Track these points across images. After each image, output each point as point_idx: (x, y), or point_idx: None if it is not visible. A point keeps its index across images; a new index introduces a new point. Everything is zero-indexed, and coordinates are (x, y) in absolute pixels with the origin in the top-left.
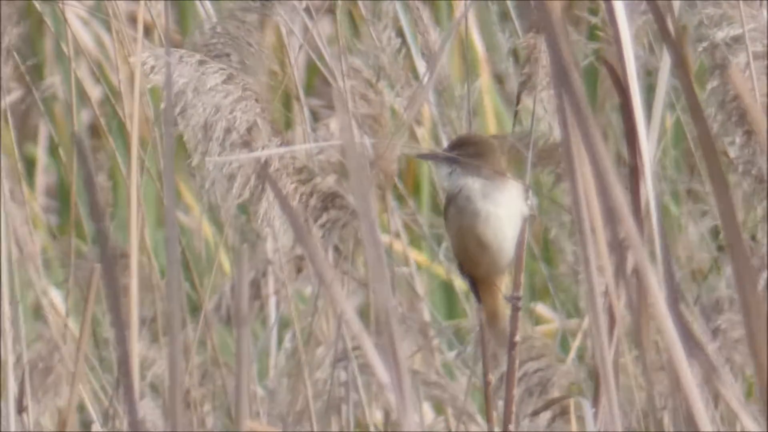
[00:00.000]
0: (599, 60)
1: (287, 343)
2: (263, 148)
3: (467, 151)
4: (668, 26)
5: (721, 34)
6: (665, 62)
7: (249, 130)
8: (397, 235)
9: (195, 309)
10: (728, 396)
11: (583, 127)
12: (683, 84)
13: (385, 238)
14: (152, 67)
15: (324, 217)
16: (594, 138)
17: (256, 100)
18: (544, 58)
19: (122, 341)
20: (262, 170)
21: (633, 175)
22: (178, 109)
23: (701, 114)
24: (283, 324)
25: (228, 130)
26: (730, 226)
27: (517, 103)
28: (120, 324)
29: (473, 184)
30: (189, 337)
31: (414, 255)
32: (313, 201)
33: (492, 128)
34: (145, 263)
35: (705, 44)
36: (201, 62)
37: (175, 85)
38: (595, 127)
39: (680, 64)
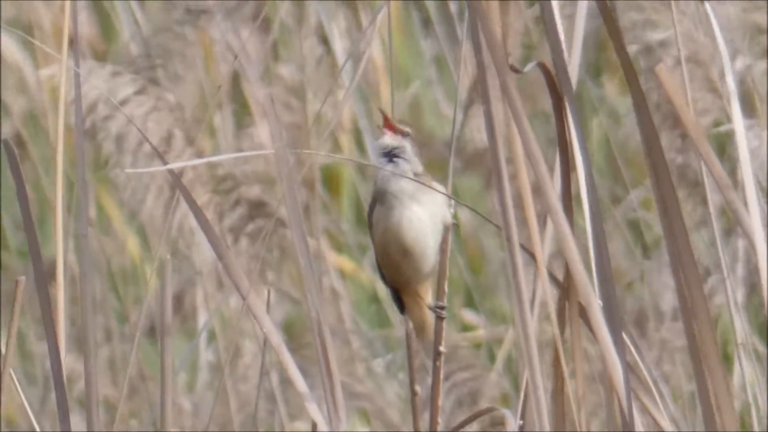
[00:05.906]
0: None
1: (210, 356)
2: (177, 159)
3: (412, 133)
4: (617, 27)
5: (655, 36)
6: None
7: (167, 140)
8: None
9: (123, 321)
10: (656, 415)
11: (520, 130)
12: (631, 85)
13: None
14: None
15: (250, 227)
16: (529, 141)
17: (170, 110)
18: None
19: (55, 354)
20: (176, 181)
21: (564, 182)
22: (89, 122)
23: (650, 118)
24: (211, 337)
25: (141, 142)
26: (678, 235)
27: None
28: (53, 337)
29: (405, 184)
30: (116, 351)
31: (339, 262)
32: (238, 210)
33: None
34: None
35: (637, 47)
36: (114, 73)
37: (86, 97)
38: (530, 131)
39: (629, 67)
